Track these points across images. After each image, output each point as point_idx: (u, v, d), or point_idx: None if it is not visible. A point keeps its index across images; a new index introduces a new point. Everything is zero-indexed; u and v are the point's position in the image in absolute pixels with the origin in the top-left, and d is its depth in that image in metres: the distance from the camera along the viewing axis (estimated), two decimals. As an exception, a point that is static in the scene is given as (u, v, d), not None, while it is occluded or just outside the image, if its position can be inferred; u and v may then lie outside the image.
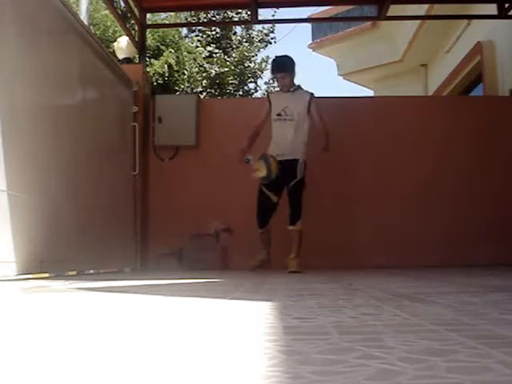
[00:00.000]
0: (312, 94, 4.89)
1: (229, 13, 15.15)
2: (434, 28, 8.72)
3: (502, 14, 6.20)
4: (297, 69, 4.93)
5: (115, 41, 6.74)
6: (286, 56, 4.97)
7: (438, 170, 5.90)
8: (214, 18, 15.36)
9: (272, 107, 4.90)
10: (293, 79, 4.88)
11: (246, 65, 15.48)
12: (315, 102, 4.83)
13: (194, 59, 13.52)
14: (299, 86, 4.93)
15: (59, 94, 3.88)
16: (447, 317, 1.30)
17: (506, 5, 6.13)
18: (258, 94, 16.41)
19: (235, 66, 15.13)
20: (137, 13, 6.30)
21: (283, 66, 4.87)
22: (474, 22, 7.92)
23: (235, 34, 16.30)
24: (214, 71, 14.62)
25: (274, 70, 4.99)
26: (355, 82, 12.90)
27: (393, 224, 5.79)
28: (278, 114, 4.83)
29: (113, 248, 4.86)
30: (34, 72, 3.39)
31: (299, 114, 4.79)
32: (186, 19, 13.97)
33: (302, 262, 4.92)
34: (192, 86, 13.31)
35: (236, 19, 15.46)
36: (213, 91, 14.75)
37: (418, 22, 8.78)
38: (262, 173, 4.67)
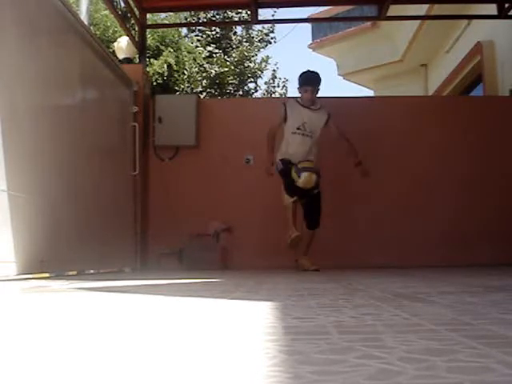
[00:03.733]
0: (329, 113, 5.03)
1: (229, 13, 15.15)
2: (434, 28, 8.72)
3: (502, 14, 6.20)
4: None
5: (115, 41, 6.74)
6: (316, 72, 5.07)
7: (437, 169, 5.90)
8: (213, 18, 15.37)
9: (289, 118, 4.97)
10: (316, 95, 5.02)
11: (245, 65, 15.48)
12: (333, 121, 5.01)
13: (194, 59, 13.52)
14: (320, 104, 5.05)
15: (59, 94, 3.88)
16: (447, 317, 1.30)
17: (506, 5, 6.13)
18: (257, 94, 16.43)
19: (235, 66, 15.13)
20: (137, 13, 6.31)
21: (316, 81, 4.99)
22: (474, 21, 7.93)
23: (235, 33, 16.30)
24: (213, 71, 14.61)
25: (305, 83, 4.98)
26: (355, 82, 12.91)
27: (393, 224, 5.79)
28: (298, 128, 4.94)
29: (113, 248, 4.86)
30: (34, 72, 3.39)
31: (317, 132, 4.98)
32: (186, 19, 13.97)
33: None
34: (192, 86, 13.30)
35: (236, 19, 15.47)
36: (213, 91, 14.75)
37: (418, 21, 8.78)
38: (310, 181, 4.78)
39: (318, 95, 5.07)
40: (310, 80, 5.00)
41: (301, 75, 5.08)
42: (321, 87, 5.02)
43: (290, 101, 5.15)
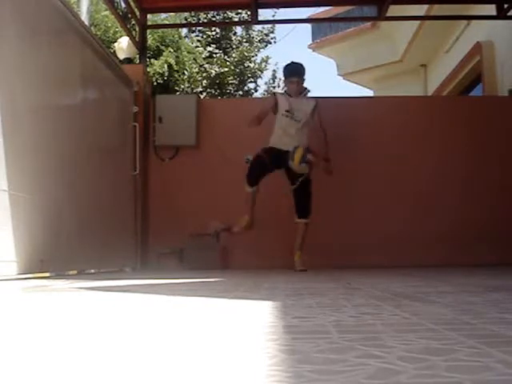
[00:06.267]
0: (317, 101, 5.04)
1: (229, 13, 15.14)
2: (434, 28, 8.73)
3: (501, 15, 6.20)
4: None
5: (116, 41, 6.74)
6: (299, 63, 5.13)
7: (437, 169, 5.91)
8: (214, 19, 15.36)
9: (279, 105, 5.01)
10: (303, 85, 5.06)
11: (245, 65, 15.47)
12: (318, 111, 5.01)
13: (194, 59, 13.51)
14: (307, 90, 5.09)
15: (60, 94, 3.89)
16: (447, 316, 1.30)
17: (506, 5, 6.14)
18: (257, 94, 16.42)
19: (235, 66, 15.12)
20: (137, 13, 6.31)
21: (299, 71, 5.05)
22: (474, 22, 7.93)
23: (235, 34, 16.29)
24: (214, 71, 14.61)
25: (290, 75, 5.04)
26: (355, 82, 12.91)
27: (393, 224, 5.79)
28: (287, 111, 4.95)
29: (113, 247, 4.86)
30: (34, 72, 3.39)
31: (305, 118, 4.97)
32: (186, 19, 13.96)
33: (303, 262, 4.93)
34: (192, 86, 13.30)
35: (236, 19, 15.46)
36: (213, 91, 14.74)
37: (418, 22, 8.78)
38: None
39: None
40: (294, 71, 5.05)
41: (285, 67, 5.14)
42: (305, 78, 5.06)
43: (279, 93, 5.24)
